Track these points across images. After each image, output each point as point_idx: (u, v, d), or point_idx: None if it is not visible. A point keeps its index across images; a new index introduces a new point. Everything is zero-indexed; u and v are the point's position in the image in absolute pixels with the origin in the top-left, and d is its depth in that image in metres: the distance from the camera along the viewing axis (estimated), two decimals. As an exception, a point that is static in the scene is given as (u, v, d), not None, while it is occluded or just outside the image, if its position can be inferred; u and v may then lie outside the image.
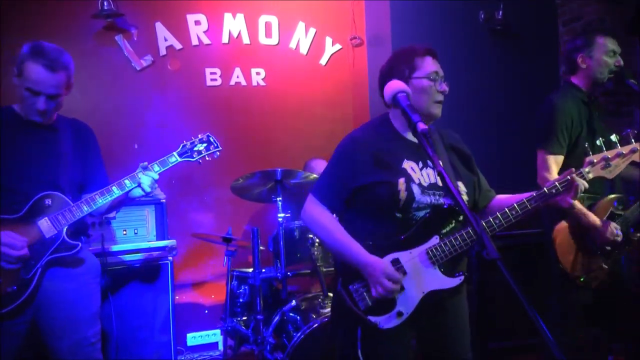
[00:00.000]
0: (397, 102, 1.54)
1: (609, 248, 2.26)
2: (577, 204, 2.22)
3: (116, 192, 1.96)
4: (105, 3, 3.40)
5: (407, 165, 1.70)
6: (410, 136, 1.76)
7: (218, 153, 2.20)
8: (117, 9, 3.46)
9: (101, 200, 1.94)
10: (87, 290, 2.04)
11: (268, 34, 3.99)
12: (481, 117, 3.86)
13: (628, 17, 3.48)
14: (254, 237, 2.84)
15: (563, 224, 2.39)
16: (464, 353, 1.77)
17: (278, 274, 2.83)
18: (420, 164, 1.73)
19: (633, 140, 1.74)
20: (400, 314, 1.62)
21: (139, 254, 2.98)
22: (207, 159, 2.18)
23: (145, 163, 2.03)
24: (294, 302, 2.79)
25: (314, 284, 3.36)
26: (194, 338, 3.72)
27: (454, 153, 1.85)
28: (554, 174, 2.36)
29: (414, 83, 1.70)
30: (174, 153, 2.10)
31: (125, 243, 2.97)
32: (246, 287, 3.07)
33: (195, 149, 2.14)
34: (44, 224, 1.88)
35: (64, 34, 3.51)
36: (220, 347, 3.65)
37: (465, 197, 1.74)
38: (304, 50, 4.09)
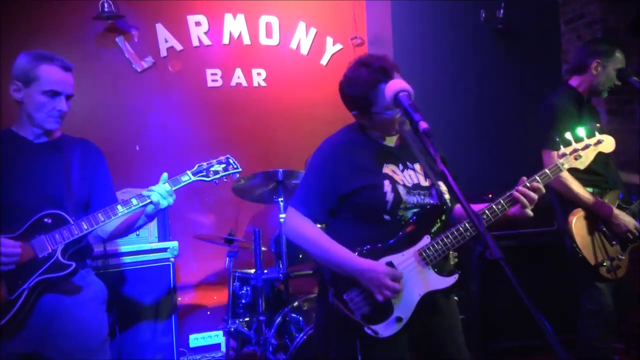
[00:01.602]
0: (399, 101, 1.53)
1: (630, 236, 2.37)
2: (587, 196, 2.35)
3: (121, 210, 1.84)
4: (106, 5, 3.41)
5: (388, 168, 1.70)
6: (386, 141, 1.77)
7: (237, 175, 2.10)
8: (117, 11, 3.46)
9: (103, 219, 1.82)
10: (96, 316, 1.93)
11: (268, 35, 3.99)
12: (482, 116, 3.85)
13: (630, 16, 3.48)
14: (255, 238, 2.84)
15: (577, 213, 2.42)
16: (460, 353, 1.74)
17: (280, 275, 2.82)
18: (401, 166, 1.73)
19: (597, 133, 1.86)
20: (399, 319, 1.59)
21: (141, 256, 2.97)
22: (224, 180, 2.07)
23: (165, 174, 1.93)
24: (296, 303, 2.78)
25: (316, 285, 3.35)
26: (196, 339, 3.72)
27: (430, 157, 1.84)
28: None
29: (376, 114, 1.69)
30: (188, 172, 1.99)
31: (127, 245, 2.97)
32: (248, 288, 3.07)
33: (212, 169, 2.04)
34: (39, 243, 1.76)
35: (65, 36, 3.52)
36: (223, 348, 3.65)
37: (447, 196, 1.73)
38: (304, 50, 4.08)
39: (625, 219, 2.36)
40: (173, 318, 2.99)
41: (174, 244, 3.07)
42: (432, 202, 1.70)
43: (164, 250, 3.03)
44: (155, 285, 2.99)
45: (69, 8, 3.50)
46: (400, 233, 1.65)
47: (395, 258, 1.62)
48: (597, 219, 2.40)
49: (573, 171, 2.42)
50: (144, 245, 3.02)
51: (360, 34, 4.10)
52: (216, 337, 3.74)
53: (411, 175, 1.72)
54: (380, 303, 1.58)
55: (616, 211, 2.37)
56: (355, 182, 1.65)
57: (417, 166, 1.76)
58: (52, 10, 3.47)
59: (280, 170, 2.86)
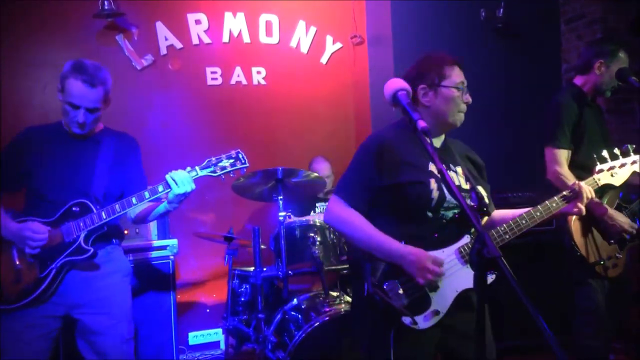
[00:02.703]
0: (397, 100, 1.54)
1: (627, 237, 2.39)
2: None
3: (134, 202, 2.02)
4: (106, 3, 3.41)
5: (433, 167, 1.70)
6: (433, 141, 1.77)
7: (245, 170, 2.18)
8: (117, 9, 3.46)
9: (119, 209, 2.00)
10: (119, 288, 2.12)
11: (268, 33, 3.99)
12: (483, 116, 3.83)
13: (630, 16, 3.48)
14: (255, 236, 2.84)
15: None
16: (490, 353, 1.74)
17: (279, 273, 2.83)
18: (444, 167, 1.74)
19: (632, 153, 2.02)
20: (437, 312, 1.61)
21: (141, 253, 2.98)
22: (231, 175, 2.16)
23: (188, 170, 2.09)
24: (295, 301, 2.79)
25: (315, 283, 3.36)
26: (195, 337, 3.73)
27: (470, 162, 1.89)
28: (564, 167, 2.46)
29: (442, 91, 1.73)
30: (196, 167, 2.11)
31: (126, 242, 2.96)
32: (247, 286, 3.08)
33: (220, 164, 2.13)
34: (67, 229, 1.98)
35: (65, 33, 3.52)
36: (222, 346, 3.65)
37: (486, 200, 1.77)
38: (304, 49, 4.08)
39: (620, 219, 2.36)
40: (172, 315, 3.00)
41: (173, 241, 3.08)
42: (472, 204, 1.71)
43: (164, 247, 3.04)
44: (155, 283, 2.99)
45: (69, 6, 3.50)
46: (442, 230, 1.67)
47: (436, 253, 1.63)
48: (594, 218, 2.40)
49: (574, 168, 2.45)
50: (144, 242, 3.02)
51: (360, 32, 4.10)
52: (215, 334, 3.75)
53: (453, 177, 1.74)
54: (419, 295, 1.59)
55: (611, 211, 2.37)
56: (402, 176, 1.67)
57: (459, 169, 1.79)
58: (53, 8, 3.47)
59: (280, 168, 2.86)
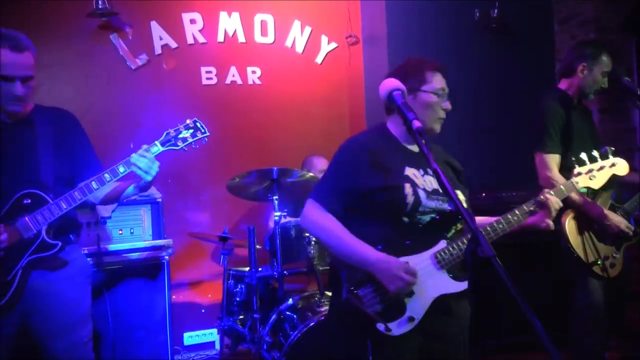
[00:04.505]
0: (393, 99, 1.54)
1: (623, 236, 2.40)
2: (578, 197, 2.36)
3: (95, 186, 1.86)
4: (100, 2, 3.39)
5: (410, 172, 1.70)
6: (409, 146, 1.78)
7: (206, 139, 2.05)
8: (112, 8, 3.44)
9: (80, 196, 1.84)
10: (80, 290, 2.01)
11: (264, 33, 3.99)
12: (476, 116, 3.86)
13: (623, 16, 3.50)
14: (250, 235, 2.84)
15: (568, 214, 2.44)
16: (458, 354, 1.74)
17: (274, 273, 2.83)
18: (422, 171, 1.74)
19: (611, 156, 1.98)
20: (411, 319, 1.60)
21: (135, 254, 2.97)
22: (194, 146, 2.04)
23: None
24: (290, 301, 2.79)
25: (311, 283, 3.36)
26: (190, 337, 3.72)
27: (449, 167, 1.88)
28: (554, 171, 2.46)
29: (421, 96, 1.73)
30: (156, 142, 1.98)
31: (121, 242, 2.96)
32: (243, 286, 3.07)
33: (181, 136, 2.00)
34: (23, 224, 1.80)
35: (59, 33, 3.50)
36: (217, 346, 3.65)
37: (465, 205, 1.76)
38: (299, 48, 4.08)
39: (616, 219, 2.38)
40: (167, 316, 2.99)
41: (168, 241, 3.07)
42: (449, 208, 1.71)
43: (159, 248, 3.03)
44: (150, 283, 2.98)
45: (62, 5, 3.48)
46: (417, 235, 1.66)
47: (410, 259, 1.63)
48: (589, 219, 2.42)
49: (565, 171, 2.46)
50: (138, 243, 3.01)
51: (355, 32, 4.11)
52: (210, 335, 3.74)
53: (431, 181, 1.73)
54: (393, 301, 1.58)
55: (606, 212, 2.38)
56: (377, 181, 1.66)
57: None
58: (46, 7, 3.45)
59: (275, 168, 2.86)
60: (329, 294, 2.82)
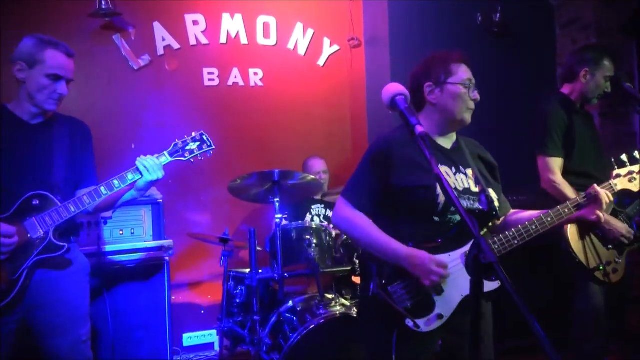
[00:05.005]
0: (396, 104, 1.54)
1: (625, 242, 2.39)
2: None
3: (104, 192, 1.95)
4: (103, 2, 3.40)
5: (442, 169, 1.69)
6: (441, 141, 1.78)
7: (211, 152, 2.16)
8: (114, 8, 3.45)
9: (88, 201, 1.92)
10: (80, 288, 2.06)
11: (266, 35, 3.99)
12: (477, 117, 3.84)
13: (623, 20, 3.50)
14: (251, 237, 2.84)
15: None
16: (488, 354, 1.75)
17: (275, 275, 2.83)
18: (454, 169, 1.74)
19: None
20: (440, 316, 1.60)
21: (136, 254, 2.97)
22: (199, 158, 2.14)
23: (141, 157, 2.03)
24: (290, 303, 2.79)
25: (311, 285, 3.36)
26: (190, 338, 3.72)
27: (482, 162, 1.88)
28: (557, 174, 2.47)
29: (449, 88, 1.73)
30: (165, 152, 2.08)
31: (121, 243, 2.96)
32: (243, 288, 3.07)
33: (188, 148, 2.11)
34: (31, 225, 1.87)
35: (62, 32, 3.48)
36: (217, 347, 3.65)
37: (496, 204, 1.75)
38: (302, 51, 4.09)
39: (617, 225, 2.37)
40: (167, 316, 2.99)
41: (169, 242, 3.07)
42: (481, 207, 1.71)
43: (159, 249, 3.03)
44: (150, 284, 2.98)
45: (65, 5, 3.48)
46: (448, 234, 1.66)
47: (441, 257, 1.63)
48: (591, 224, 2.41)
49: (567, 175, 2.46)
50: (139, 243, 3.01)
51: (358, 35, 4.11)
52: (210, 336, 3.74)
53: (463, 180, 1.73)
54: (423, 298, 1.59)
55: (608, 217, 2.37)
56: (408, 180, 1.66)
57: (469, 171, 1.78)
58: (49, 7, 3.45)
59: (277, 170, 2.86)
60: (329, 296, 2.84)
